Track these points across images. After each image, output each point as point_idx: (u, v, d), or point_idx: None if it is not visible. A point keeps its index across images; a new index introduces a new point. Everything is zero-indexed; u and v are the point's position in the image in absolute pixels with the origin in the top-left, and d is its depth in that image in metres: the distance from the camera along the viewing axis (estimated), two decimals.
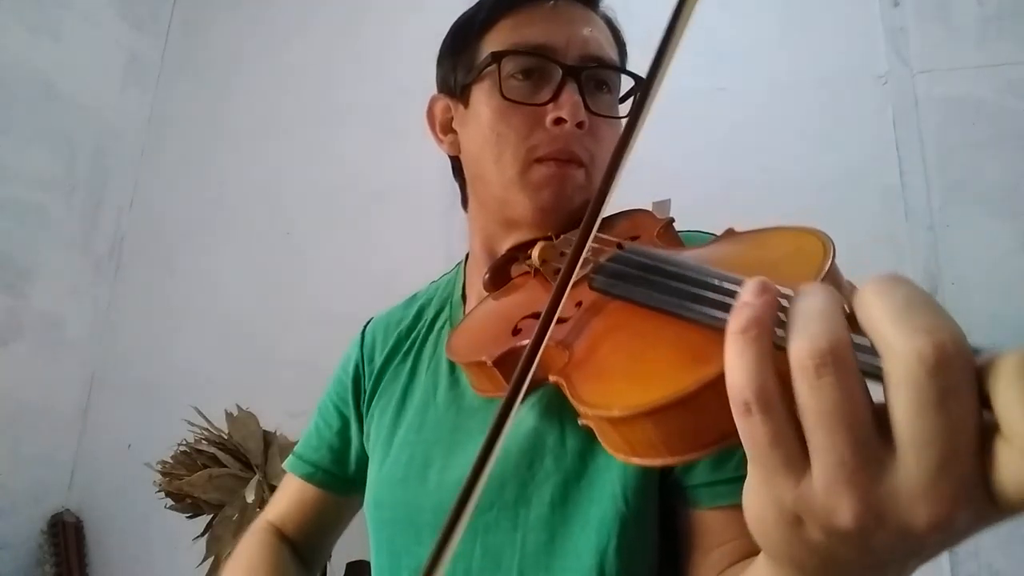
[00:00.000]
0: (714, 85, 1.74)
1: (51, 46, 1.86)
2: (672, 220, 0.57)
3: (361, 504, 0.83)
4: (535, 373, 0.48)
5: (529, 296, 0.57)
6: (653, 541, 0.56)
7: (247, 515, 1.39)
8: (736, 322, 0.26)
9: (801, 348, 0.24)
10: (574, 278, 0.37)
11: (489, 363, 0.49)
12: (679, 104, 1.52)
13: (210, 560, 1.39)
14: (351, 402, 0.78)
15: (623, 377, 0.36)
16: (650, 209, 0.63)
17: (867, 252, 1.56)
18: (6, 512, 1.71)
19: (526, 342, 0.46)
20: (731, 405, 0.26)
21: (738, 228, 0.46)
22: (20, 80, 1.78)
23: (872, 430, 0.24)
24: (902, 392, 0.22)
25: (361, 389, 0.77)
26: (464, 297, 0.74)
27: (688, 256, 0.43)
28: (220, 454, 1.46)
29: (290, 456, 0.82)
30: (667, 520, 0.56)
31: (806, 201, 1.63)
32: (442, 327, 0.73)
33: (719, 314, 0.31)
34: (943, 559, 1.31)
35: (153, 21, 2.24)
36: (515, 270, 0.63)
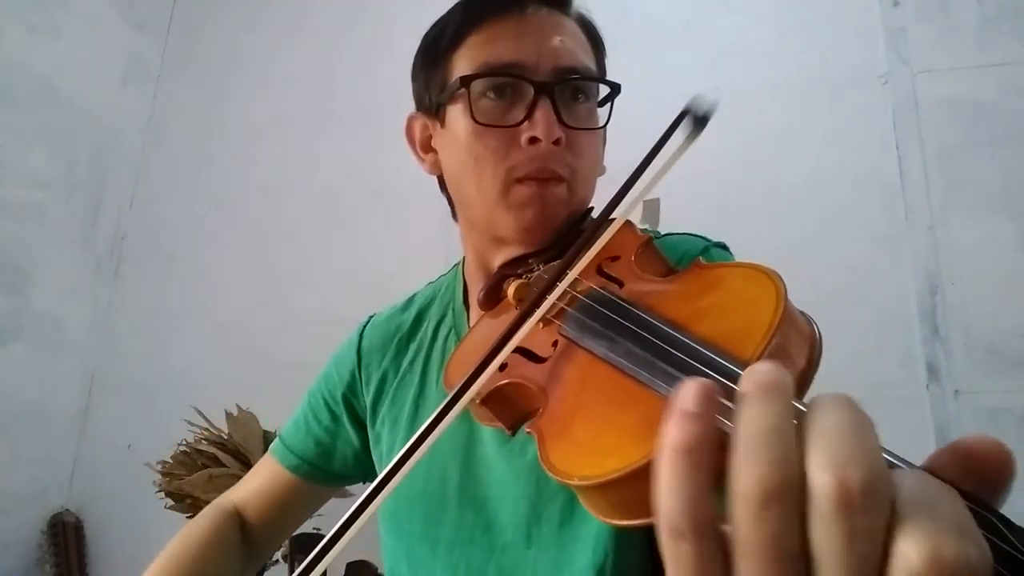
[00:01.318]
0: (714, 85, 1.74)
1: (51, 46, 1.86)
2: (651, 238, 0.56)
3: (328, 497, 0.84)
4: (522, 405, 0.50)
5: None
6: (645, 557, 0.56)
7: None
8: (677, 436, 0.24)
9: (751, 478, 0.22)
10: (539, 315, 0.41)
11: (478, 401, 0.50)
12: (678, 105, 1.52)
13: None
14: (342, 402, 0.77)
15: (583, 445, 0.38)
16: (640, 207, 0.63)
17: (867, 252, 1.56)
18: (6, 512, 1.71)
19: (508, 380, 0.48)
20: (659, 525, 0.24)
21: (703, 261, 0.47)
22: (20, 80, 1.78)
23: (802, 564, 0.22)
24: (817, 524, 0.22)
25: (358, 394, 0.77)
26: (467, 304, 0.74)
27: (650, 302, 0.43)
28: (220, 454, 1.46)
29: (276, 441, 0.82)
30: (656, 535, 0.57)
31: (806, 201, 1.63)
32: (447, 336, 0.73)
33: (669, 388, 0.33)
34: None
35: (153, 21, 2.24)
36: (507, 286, 0.64)
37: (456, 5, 0.66)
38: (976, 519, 0.21)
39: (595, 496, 0.35)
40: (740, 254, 0.66)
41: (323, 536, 0.38)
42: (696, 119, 0.45)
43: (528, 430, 0.43)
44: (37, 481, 1.80)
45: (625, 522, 0.34)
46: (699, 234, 0.67)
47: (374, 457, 0.75)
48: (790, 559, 0.22)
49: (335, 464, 0.78)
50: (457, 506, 0.63)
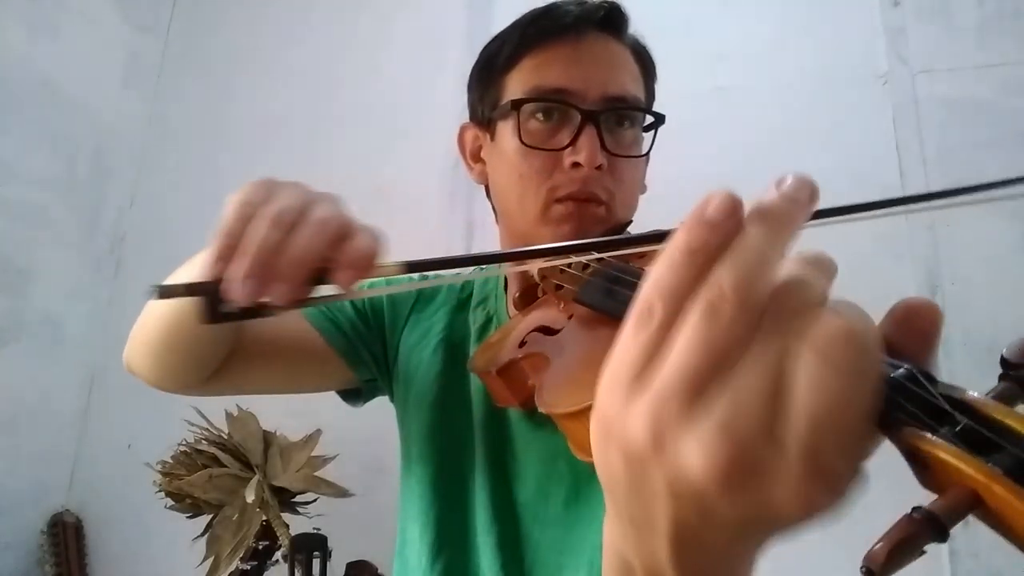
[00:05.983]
0: (714, 85, 1.74)
1: (51, 46, 1.86)
2: None
3: (315, 384, 0.81)
4: (533, 381, 0.51)
5: (542, 312, 0.61)
6: None
7: (247, 515, 1.39)
8: (688, 240, 0.25)
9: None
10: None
11: (494, 372, 0.53)
12: (678, 104, 1.52)
13: (210, 560, 1.39)
14: (383, 314, 0.79)
15: (574, 380, 0.40)
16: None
17: (867, 252, 1.56)
18: (6, 512, 1.71)
19: (525, 353, 0.52)
20: (633, 312, 0.24)
21: None
22: (20, 80, 1.78)
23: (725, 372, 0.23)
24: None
25: (397, 330, 0.78)
26: (507, 288, 0.77)
27: None
28: (220, 454, 1.46)
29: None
30: None
31: None
32: (487, 318, 0.77)
33: None
34: (943, 559, 1.31)
35: (153, 21, 2.24)
36: (540, 291, 0.67)
37: (515, 24, 0.69)
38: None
39: (576, 428, 0.36)
40: None
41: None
42: None
43: (531, 382, 0.46)
44: (37, 481, 1.80)
45: None
46: None
47: (399, 364, 0.76)
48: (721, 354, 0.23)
49: (348, 331, 0.76)
50: (481, 454, 0.66)
